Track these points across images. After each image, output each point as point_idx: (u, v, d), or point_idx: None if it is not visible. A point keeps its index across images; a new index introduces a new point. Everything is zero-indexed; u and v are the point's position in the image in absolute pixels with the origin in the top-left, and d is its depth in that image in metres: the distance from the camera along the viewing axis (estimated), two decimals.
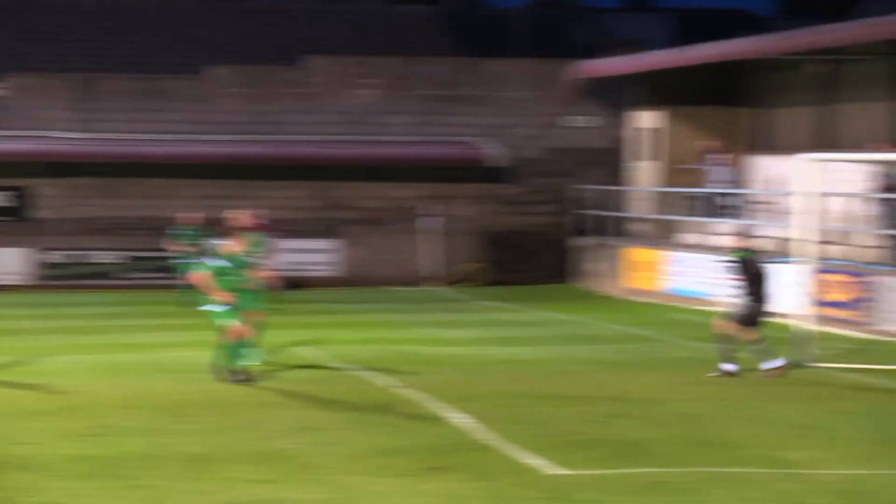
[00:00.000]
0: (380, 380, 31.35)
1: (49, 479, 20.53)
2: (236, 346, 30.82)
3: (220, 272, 30.52)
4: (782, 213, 47.57)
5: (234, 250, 31.42)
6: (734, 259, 31.94)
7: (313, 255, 56.54)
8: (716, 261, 47.52)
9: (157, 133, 58.24)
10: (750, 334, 31.60)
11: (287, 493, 19.91)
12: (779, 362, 31.40)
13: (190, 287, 43.76)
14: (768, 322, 31.95)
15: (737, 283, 31.91)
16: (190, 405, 27.55)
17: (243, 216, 34.46)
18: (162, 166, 57.06)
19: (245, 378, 29.51)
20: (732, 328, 31.62)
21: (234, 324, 30.45)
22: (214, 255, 31.40)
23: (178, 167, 57.09)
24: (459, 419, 25.90)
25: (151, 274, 53.96)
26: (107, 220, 56.68)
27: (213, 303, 30.65)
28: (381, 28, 71.14)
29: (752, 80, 56.67)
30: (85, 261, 56.12)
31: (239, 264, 31.57)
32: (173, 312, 45.63)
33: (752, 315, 31.55)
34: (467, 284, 56.85)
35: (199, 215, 48.57)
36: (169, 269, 49.61)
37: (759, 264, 32.85)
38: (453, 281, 57.52)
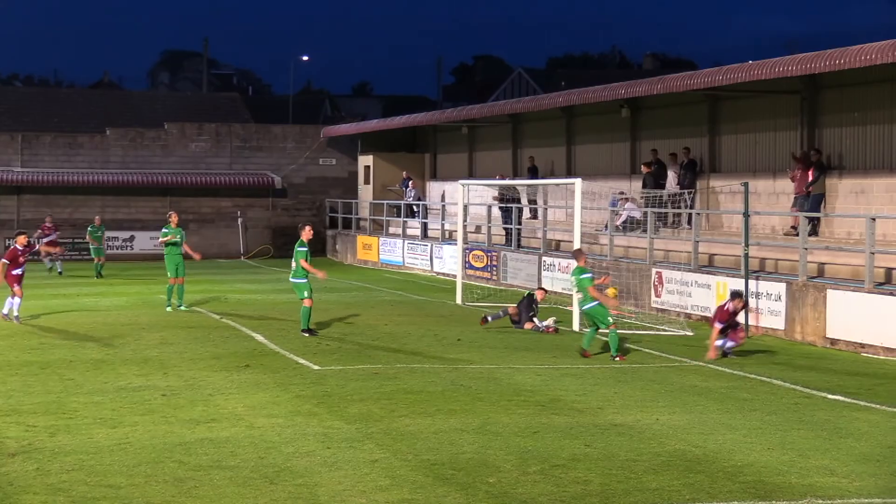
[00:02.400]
0: (211, 314, 31.23)
1: (9, 374, 20.87)
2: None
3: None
4: (448, 215, 48.29)
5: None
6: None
7: None
8: (410, 244, 50.64)
9: (74, 167, 57.38)
10: None
11: (154, 381, 20.15)
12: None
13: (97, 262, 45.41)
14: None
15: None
16: (95, 330, 27.48)
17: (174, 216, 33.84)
18: (77, 187, 56.53)
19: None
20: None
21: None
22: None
23: (87, 188, 56.76)
24: (259, 337, 26.22)
25: (70, 253, 52.92)
26: (42, 220, 56.79)
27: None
28: (210, 106, 70.39)
29: (428, 137, 57.68)
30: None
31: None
32: (88, 276, 44.77)
33: None
34: (261, 258, 57.12)
35: (98, 218, 48.11)
36: (80, 251, 49.58)
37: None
38: (251, 255, 57.86)
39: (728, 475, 13.76)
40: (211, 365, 22.22)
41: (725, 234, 34.41)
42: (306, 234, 27.72)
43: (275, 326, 28.57)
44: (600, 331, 24.37)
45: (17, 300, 29.44)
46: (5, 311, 29.65)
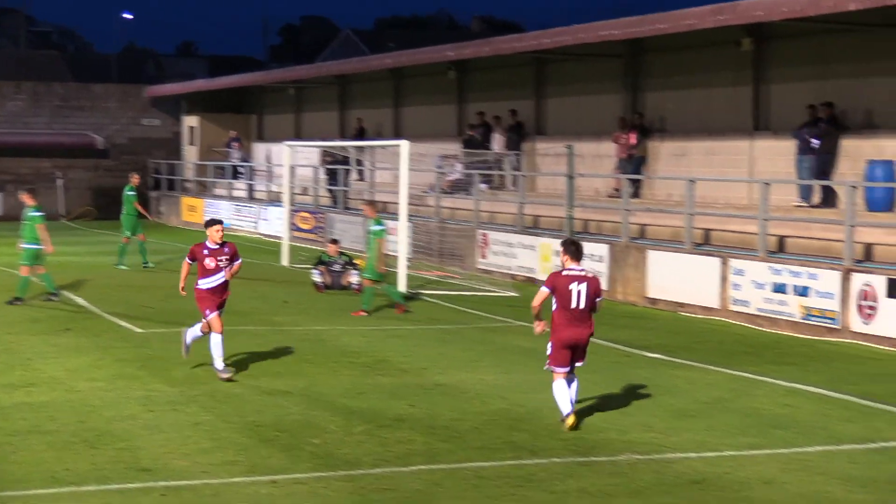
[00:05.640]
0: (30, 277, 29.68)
1: None
2: None
3: None
4: (273, 177, 48.61)
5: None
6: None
7: None
8: (235, 205, 50.36)
9: None
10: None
11: None
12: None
13: None
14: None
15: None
16: None
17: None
18: None
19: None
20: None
21: None
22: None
23: None
24: (79, 300, 25.90)
25: None
26: None
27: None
28: (28, 64, 68.83)
29: (254, 98, 57.48)
30: None
31: None
32: None
33: None
34: (82, 220, 55.98)
35: None
36: None
37: None
38: (73, 217, 56.73)
39: (550, 433, 14.05)
40: (29, 328, 21.79)
41: (550, 196, 34.90)
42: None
43: (96, 289, 28.10)
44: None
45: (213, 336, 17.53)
46: (188, 340, 18.15)
